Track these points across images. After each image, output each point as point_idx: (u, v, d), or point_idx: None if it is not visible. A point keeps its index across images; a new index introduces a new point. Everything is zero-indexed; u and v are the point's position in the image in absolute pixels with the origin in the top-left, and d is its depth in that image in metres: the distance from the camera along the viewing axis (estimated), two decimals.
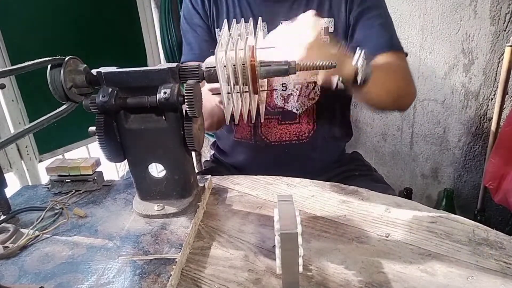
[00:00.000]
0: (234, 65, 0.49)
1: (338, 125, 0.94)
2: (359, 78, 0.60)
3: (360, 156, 1.02)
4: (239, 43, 0.50)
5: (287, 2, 0.83)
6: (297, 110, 0.87)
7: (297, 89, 0.86)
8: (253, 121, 0.58)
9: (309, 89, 0.86)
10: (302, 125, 0.88)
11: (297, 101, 0.86)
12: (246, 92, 0.52)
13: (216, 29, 0.89)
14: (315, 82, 0.86)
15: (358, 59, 0.60)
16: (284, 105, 0.87)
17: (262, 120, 0.87)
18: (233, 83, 0.50)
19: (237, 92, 0.52)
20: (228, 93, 0.51)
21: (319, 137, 0.89)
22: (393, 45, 0.83)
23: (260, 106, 0.58)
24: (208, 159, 1.08)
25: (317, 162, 0.92)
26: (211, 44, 0.91)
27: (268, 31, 0.75)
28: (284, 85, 0.86)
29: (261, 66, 0.51)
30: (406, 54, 0.85)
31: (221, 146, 1.02)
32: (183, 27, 0.94)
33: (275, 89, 0.86)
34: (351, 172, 0.92)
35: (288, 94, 0.86)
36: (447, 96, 1.54)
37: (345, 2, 0.82)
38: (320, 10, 0.82)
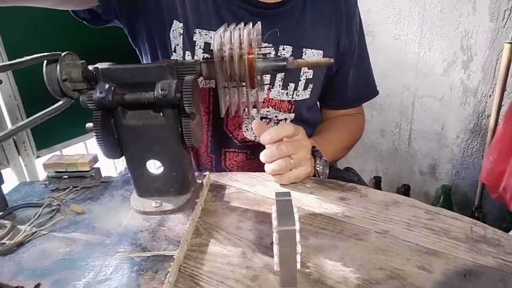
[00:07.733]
0: (232, 56, 0.48)
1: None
2: (319, 175, 0.66)
3: (350, 172, 0.97)
4: (236, 37, 0.49)
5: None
6: None
7: (266, 122, 0.83)
8: (249, 115, 0.58)
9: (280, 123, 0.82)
10: None
11: None
12: (243, 86, 0.52)
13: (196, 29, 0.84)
14: (285, 118, 0.84)
15: (319, 164, 0.65)
16: (255, 139, 0.83)
17: (258, 115, 0.84)
18: (229, 75, 0.49)
19: (234, 87, 0.52)
20: (225, 87, 0.51)
21: None
22: (371, 93, 0.95)
23: (256, 102, 0.58)
24: None
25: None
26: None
27: None
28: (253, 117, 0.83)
29: (259, 60, 0.51)
30: (377, 93, 0.96)
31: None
32: None
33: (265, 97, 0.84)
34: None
35: None
36: (445, 92, 1.54)
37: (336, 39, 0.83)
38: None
